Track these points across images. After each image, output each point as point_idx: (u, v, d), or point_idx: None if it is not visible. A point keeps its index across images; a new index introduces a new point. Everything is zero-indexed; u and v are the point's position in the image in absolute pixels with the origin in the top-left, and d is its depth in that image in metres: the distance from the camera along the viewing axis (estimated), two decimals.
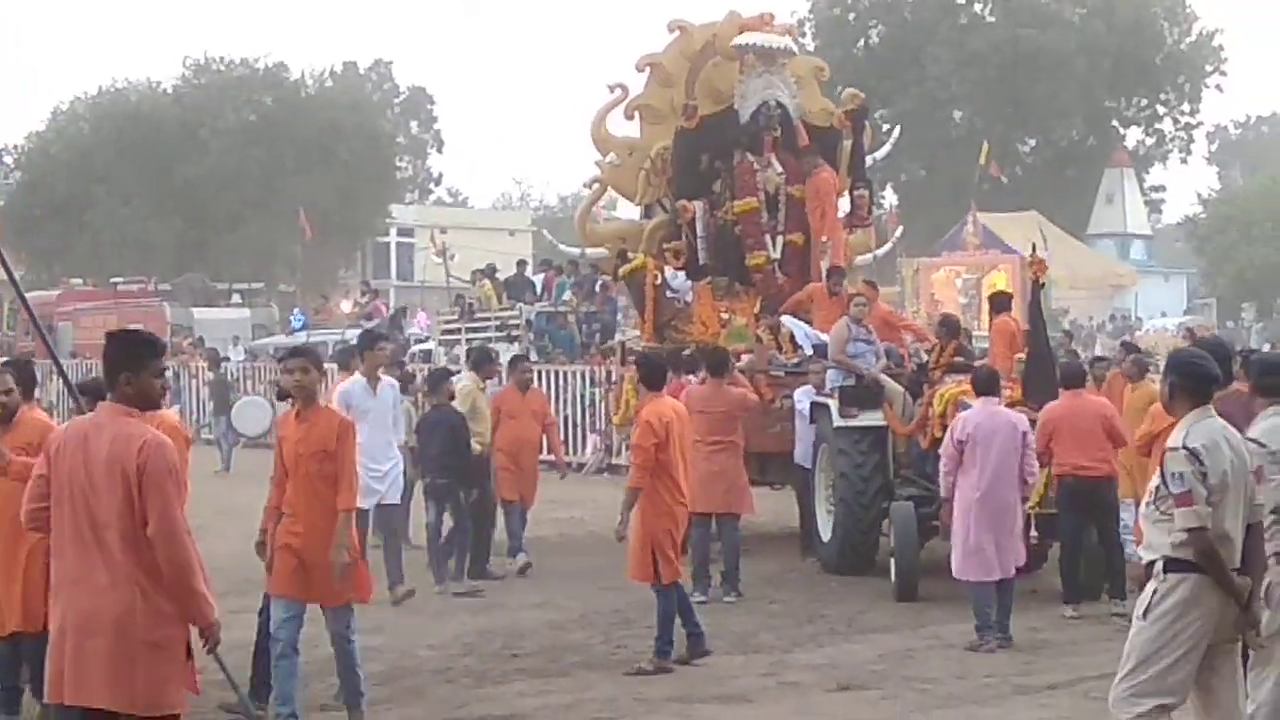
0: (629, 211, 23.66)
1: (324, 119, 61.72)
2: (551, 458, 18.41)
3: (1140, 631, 7.41)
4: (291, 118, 61.64)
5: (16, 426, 9.51)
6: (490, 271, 35.58)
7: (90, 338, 37.20)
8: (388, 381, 15.04)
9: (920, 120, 55.71)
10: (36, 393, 10.44)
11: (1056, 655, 12.43)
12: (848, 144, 20.03)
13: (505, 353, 22.93)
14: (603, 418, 26.73)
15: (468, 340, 31.16)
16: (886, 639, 13.13)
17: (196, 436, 31.27)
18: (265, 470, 10.51)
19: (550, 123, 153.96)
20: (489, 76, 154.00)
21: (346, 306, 44.86)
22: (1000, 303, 18.73)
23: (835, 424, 16.07)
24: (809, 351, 18.06)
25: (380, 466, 14.41)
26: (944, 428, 14.64)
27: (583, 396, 27.58)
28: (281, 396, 12.56)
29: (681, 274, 19.18)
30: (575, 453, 26.45)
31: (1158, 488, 7.46)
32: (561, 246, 24.56)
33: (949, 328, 17.23)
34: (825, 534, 16.51)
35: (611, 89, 20.29)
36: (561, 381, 27.58)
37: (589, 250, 21.47)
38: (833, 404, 16.20)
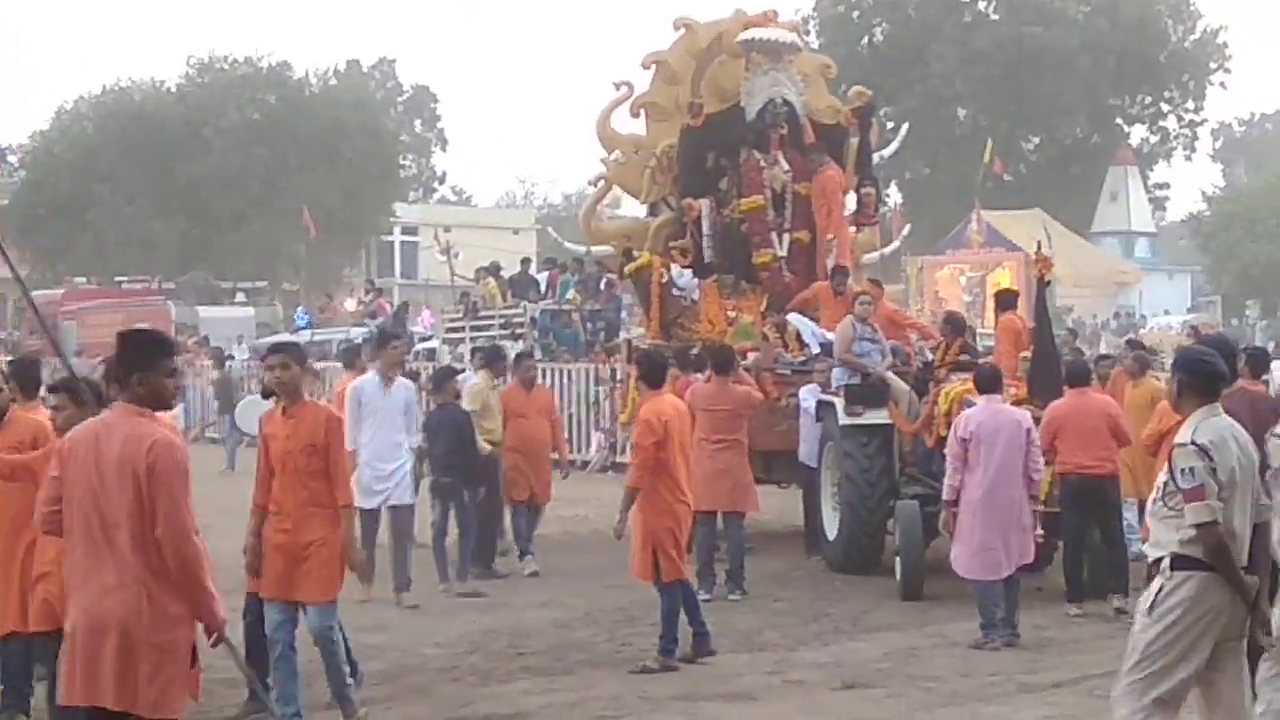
0: (632, 210, 23.66)
1: (328, 118, 61.70)
2: (555, 455, 18.38)
3: (1145, 629, 7.41)
4: (295, 116, 61.61)
5: (8, 425, 9.50)
6: (495, 270, 35.58)
7: (95, 336, 37.19)
8: (402, 382, 15.00)
9: (924, 118, 55.61)
10: (41, 391, 10.43)
11: (1061, 653, 12.43)
12: (854, 141, 20.00)
13: (509, 351, 22.90)
14: (607, 416, 26.74)
15: (472, 339, 31.16)
16: (891, 637, 13.13)
17: (201, 435, 31.38)
18: None
19: (554, 121, 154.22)
20: (492, 75, 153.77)
21: (351, 305, 44.89)
22: (1006, 300, 18.71)
23: (841, 422, 16.05)
24: (815, 350, 18.04)
25: (386, 466, 14.40)
26: (949, 426, 14.65)
27: (587, 394, 27.58)
28: (267, 394, 12.52)
29: (688, 272, 19.17)
30: (580, 451, 26.44)
31: (1166, 484, 7.45)
32: (567, 244, 24.56)
33: (954, 326, 17.22)
34: (831, 532, 16.51)
35: (617, 87, 20.28)
36: (566, 380, 27.58)
37: (594, 248, 21.47)
38: (838, 402, 16.20)
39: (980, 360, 16.13)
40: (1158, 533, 7.53)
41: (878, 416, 16.03)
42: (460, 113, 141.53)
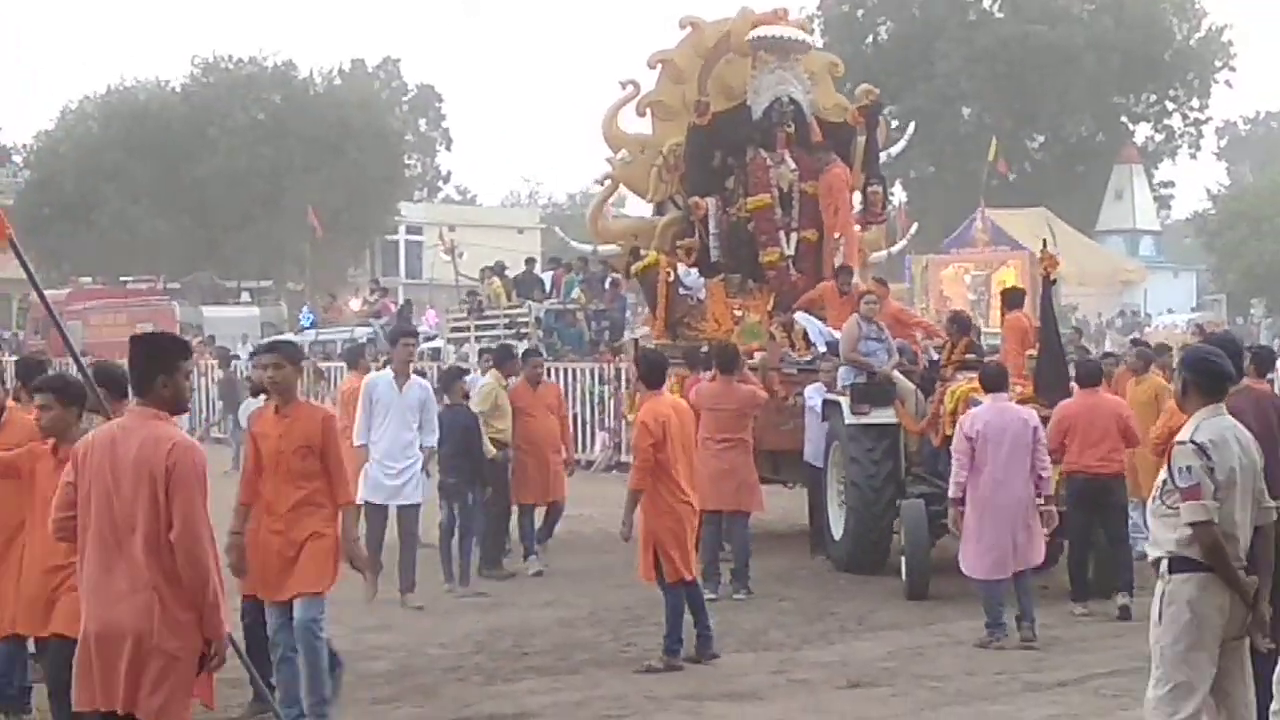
0: (637, 209, 23.63)
1: (332, 117, 61.73)
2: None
3: (1158, 638, 7.42)
4: (300, 116, 61.65)
5: (6, 426, 9.40)
6: (499, 269, 35.58)
7: (99, 336, 37.16)
8: (417, 380, 14.92)
9: (929, 117, 55.63)
10: None
11: (1066, 652, 12.43)
12: (861, 140, 19.93)
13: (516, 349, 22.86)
14: (611, 415, 26.73)
15: (477, 338, 31.15)
16: (897, 636, 13.13)
17: (206, 435, 31.34)
18: None
19: (559, 120, 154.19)
20: (497, 74, 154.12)
21: (355, 305, 44.89)
22: (1013, 299, 18.67)
23: (847, 421, 16.03)
24: (822, 349, 17.99)
25: (396, 465, 14.35)
26: (955, 425, 14.63)
27: (591, 394, 27.57)
28: (256, 391, 12.50)
29: (694, 271, 19.12)
30: (584, 450, 26.44)
31: (1164, 482, 7.45)
32: (574, 243, 24.55)
33: (960, 325, 17.19)
34: (837, 532, 16.48)
35: (623, 86, 20.23)
36: (570, 379, 27.57)
37: (601, 247, 21.43)
38: (844, 402, 16.17)
39: (986, 359, 16.12)
40: (1156, 531, 7.53)
41: (884, 416, 16.01)
42: (465, 112, 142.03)
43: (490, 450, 15.75)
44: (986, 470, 12.57)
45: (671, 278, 18.92)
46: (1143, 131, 67.44)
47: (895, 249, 24.06)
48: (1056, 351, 15.30)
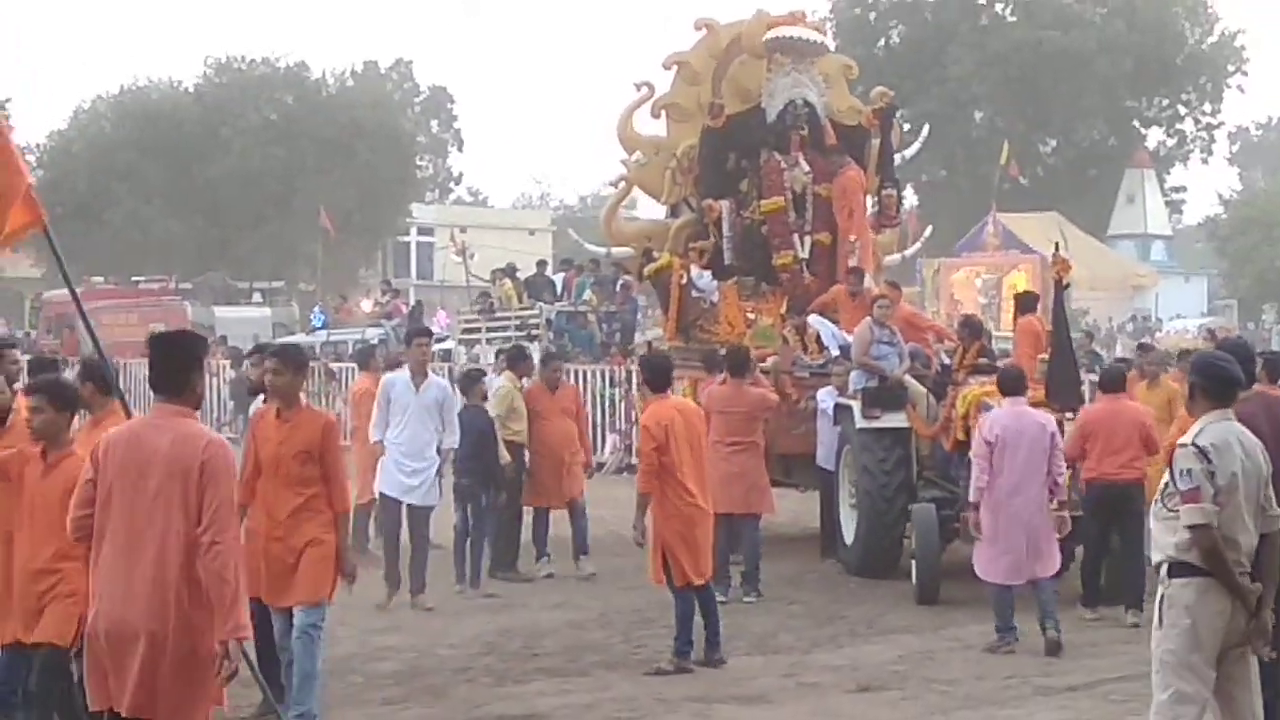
0: (649, 211, 23.62)
1: (345, 118, 61.75)
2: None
3: (1159, 643, 7.42)
4: (312, 117, 61.67)
5: (11, 429, 9.27)
6: (510, 271, 35.57)
7: (111, 336, 37.06)
8: (435, 380, 14.88)
9: (941, 121, 55.57)
10: None
11: (1076, 657, 12.41)
12: (876, 143, 19.89)
13: (532, 351, 22.81)
14: (622, 417, 26.74)
15: (488, 339, 31.17)
16: (906, 640, 13.12)
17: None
18: None
19: (570, 122, 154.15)
20: (509, 76, 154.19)
21: (367, 305, 44.91)
22: (1026, 303, 18.63)
23: (858, 425, 16.00)
24: (835, 352, 17.93)
25: (413, 464, 14.34)
26: (967, 429, 14.61)
27: (602, 396, 27.57)
28: (253, 391, 12.42)
29: (707, 274, 19.08)
30: (595, 452, 26.41)
31: (1166, 485, 7.47)
32: (588, 245, 24.52)
33: (971, 329, 17.18)
34: (849, 536, 16.46)
35: (638, 88, 20.20)
36: (581, 381, 27.56)
37: (614, 249, 21.41)
38: (856, 405, 16.15)
39: (998, 363, 16.11)
40: (1158, 534, 7.54)
41: (895, 420, 15.98)
42: (477, 114, 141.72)
43: (505, 456, 15.72)
44: (1004, 474, 12.54)
45: (685, 280, 18.89)
46: (1155, 136, 67.42)
47: (909, 252, 24.01)
48: (1068, 356, 15.26)
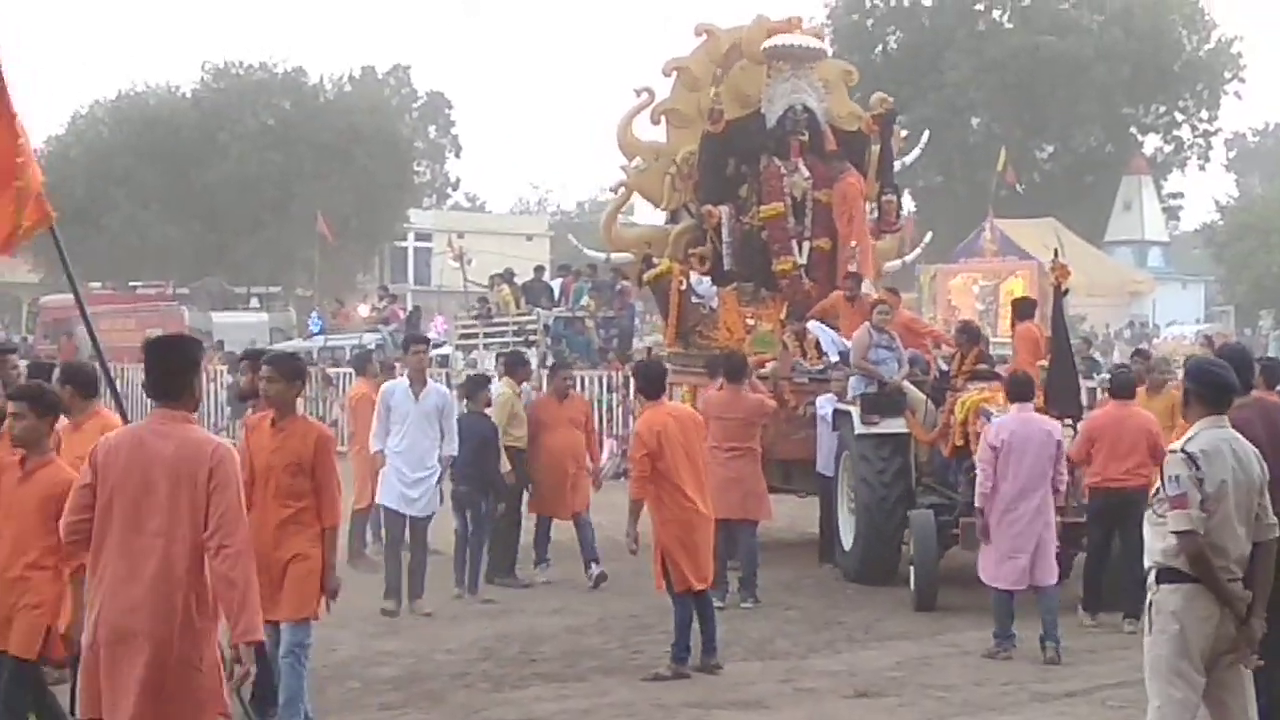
0: (648, 217, 23.59)
1: (342, 123, 61.81)
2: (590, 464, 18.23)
3: (1149, 648, 7.44)
4: (310, 122, 61.73)
5: (6, 435, 9.04)
6: (508, 276, 35.57)
7: (109, 341, 36.92)
8: (435, 387, 14.78)
9: (938, 127, 55.55)
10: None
11: (1075, 663, 12.41)
12: (876, 149, 19.89)
13: (530, 357, 22.80)
14: (620, 423, 26.74)
15: (486, 345, 31.16)
16: (904, 646, 13.11)
17: None
18: None
19: (568, 128, 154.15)
20: (507, 81, 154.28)
21: (364, 311, 44.91)
22: (1024, 309, 18.64)
23: (857, 431, 16.00)
24: (834, 358, 17.91)
25: (414, 474, 14.30)
26: (965, 435, 14.61)
27: (600, 402, 27.56)
28: (243, 396, 12.37)
29: (707, 279, 19.05)
30: None
31: (1156, 491, 7.48)
32: (586, 250, 24.49)
33: (970, 335, 17.17)
34: (847, 542, 16.45)
35: (638, 93, 20.19)
36: (579, 387, 27.56)
37: (614, 255, 21.40)
38: (854, 411, 16.15)
39: (997, 369, 16.11)
40: (1149, 540, 7.56)
41: (894, 425, 15.97)
42: (474, 119, 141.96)
43: (506, 466, 15.68)
44: (1009, 480, 12.53)
45: (684, 286, 18.88)
46: (1152, 142, 67.52)
47: (909, 258, 24.00)
48: (1067, 362, 15.24)
